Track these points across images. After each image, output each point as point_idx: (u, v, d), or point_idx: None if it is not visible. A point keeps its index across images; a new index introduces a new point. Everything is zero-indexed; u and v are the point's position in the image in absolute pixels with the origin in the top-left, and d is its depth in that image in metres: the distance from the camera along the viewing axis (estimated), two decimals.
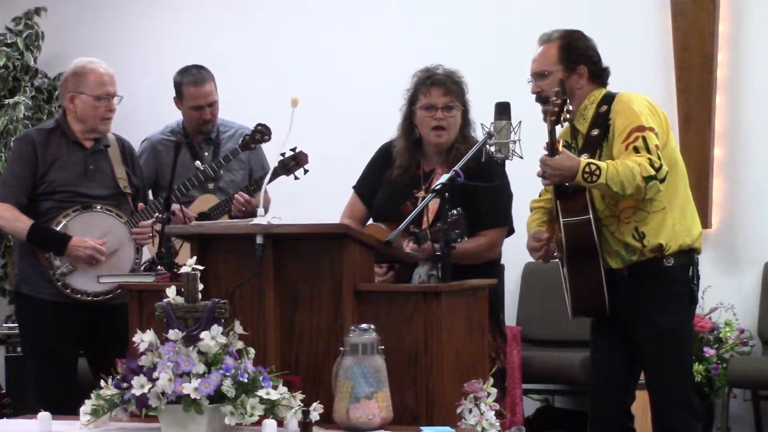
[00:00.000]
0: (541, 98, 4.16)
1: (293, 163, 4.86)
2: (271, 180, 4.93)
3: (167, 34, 7.39)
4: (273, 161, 4.51)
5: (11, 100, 7.03)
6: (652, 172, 3.93)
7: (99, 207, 4.76)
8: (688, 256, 4.16)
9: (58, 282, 4.69)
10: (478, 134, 4.25)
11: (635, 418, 4.37)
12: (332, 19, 7.13)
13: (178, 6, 7.52)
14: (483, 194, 4.20)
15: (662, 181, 3.96)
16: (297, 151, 4.85)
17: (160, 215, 4.58)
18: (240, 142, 5.04)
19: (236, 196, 5.04)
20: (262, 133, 5.00)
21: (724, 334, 6.06)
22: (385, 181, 4.44)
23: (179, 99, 5.27)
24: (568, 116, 4.05)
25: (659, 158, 3.96)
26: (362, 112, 6.89)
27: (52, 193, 4.74)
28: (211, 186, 5.17)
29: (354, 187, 4.59)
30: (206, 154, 5.23)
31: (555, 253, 4.23)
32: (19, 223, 4.71)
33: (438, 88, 4.33)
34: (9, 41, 7.27)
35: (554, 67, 4.16)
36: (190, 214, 4.90)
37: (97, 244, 4.68)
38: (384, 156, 4.51)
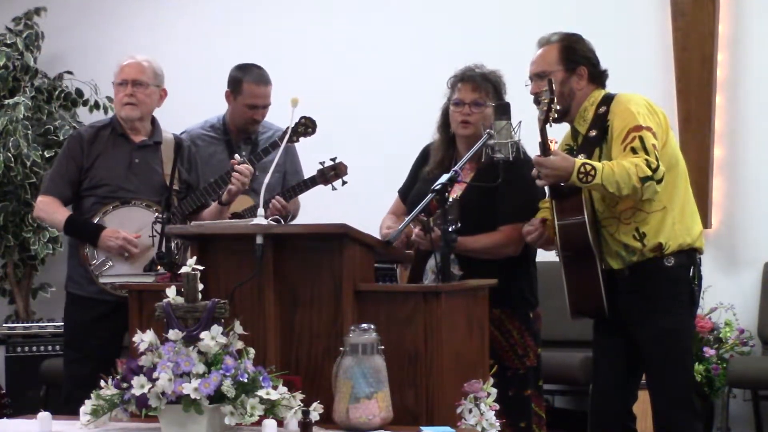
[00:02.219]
0: (539, 102, 4.16)
1: (332, 173, 4.84)
2: (308, 188, 4.95)
3: (167, 34, 7.38)
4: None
5: (11, 100, 7.02)
6: (649, 173, 3.93)
7: (138, 202, 4.79)
8: (689, 255, 4.16)
9: (98, 279, 4.74)
10: None
11: (636, 418, 4.37)
12: (331, 20, 7.14)
13: (178, 6, 7.51)
14: (503, 190, 4.22)
15: (659, 181, 3.97)
16: (337, 161, 4.84)
17: (160, 215, 4.59)
18: (281, 135, 4.92)
19: (273, 200, 5.00)
20: (306, 126, 4.90)
21: (724, 334, 6.05)
22: (421, 178, 4.49)
23: (233, 94, 5.26)
24: (556, 115, 4.06)
25: (656, 158, 3.96)
26: (364, 112, 6.90)
27: (95, 188, 4.81)
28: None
29: (398, 190, 4.66)
30: (244, 153, 5.22)
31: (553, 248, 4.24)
32: (58, 215, 4.83)
33: (468, 84, 4.38)
34: (9, 41, 7.26)
35: (555, 67, 4.18)
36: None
37: (130, 236, 4.71)
38: (423, 156, 4.59)
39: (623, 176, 3.92)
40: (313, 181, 4.93)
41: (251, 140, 5.31)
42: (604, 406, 4.30)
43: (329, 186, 4.87)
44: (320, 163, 4.85)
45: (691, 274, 4.17)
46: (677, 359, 4.15)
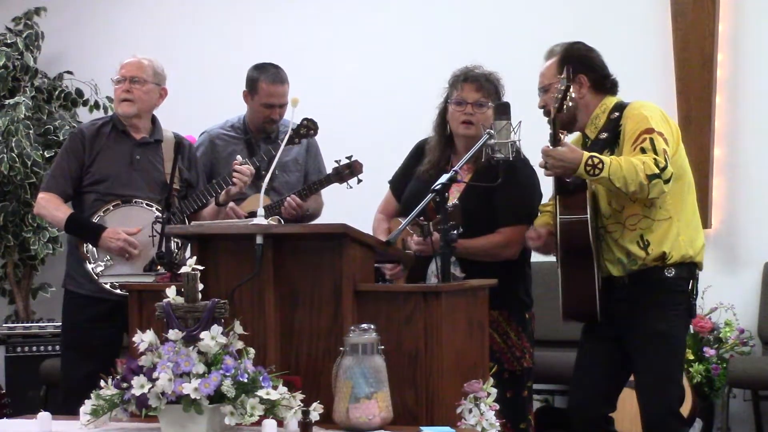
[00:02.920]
0: (548, 112, 4.15)
1: (347, 171, 4.85)
2: (323, 186, 4.95)
3: (168, 34, 7.38)
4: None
5: (11, 100, 7.02)
6: (656, 171, 3.92)
7: (139, 201, 4.80)
8: (689, 269, 4.15)
9: (98, 278, 4.74)
10: None
11: (632, 419, 4.35)
12: (332, 20, 7.14)
13: (178, 6, 7.51)
14: (502, 191, 4.22)
15: (667, 181, 3.95)
16: (352, 159, 4.85)
17: (161, 215, 4.59)
18: (285, 137, 4.93)
19: (288, 198, 5.01)
20: (308, 128, 4.93)
21: (724, 334, 6.05)
22: (415, 176, 4.48)
23: (251, 94, 5.26)
24: (570, 104, 4.04)
25: (665, 159, 3.95)
26: (365, 112, 6.91)
27: (96, 184, 4.82)
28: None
29: (389, 183, 4.65)
30: (277, 153, 5.20)
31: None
32: (59, 213, 4.83)
33: (471, 84, 4.37)
34: (9, 41, 7.27)
35: (555, 79, 4.16)
36: (240, 212, 4.90)
37: (130, 237, 4.71)
38: (417, 151, 4.57)
39: (630, 171, 3.91)
40: (328, 180, 4.94)
41: (271, 139, 5.31)
42: (581, 408, 4.26)
43: (344, 184, 4.87)
44: (336, 161, 4.86)
45: (689, 287, 4.16)
46: (665, 364, 4.11)
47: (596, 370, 4.23)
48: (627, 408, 4.37)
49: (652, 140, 3.98)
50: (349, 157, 4.85)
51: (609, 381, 4.23)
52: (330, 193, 5.19)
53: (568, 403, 4.39)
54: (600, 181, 3.96)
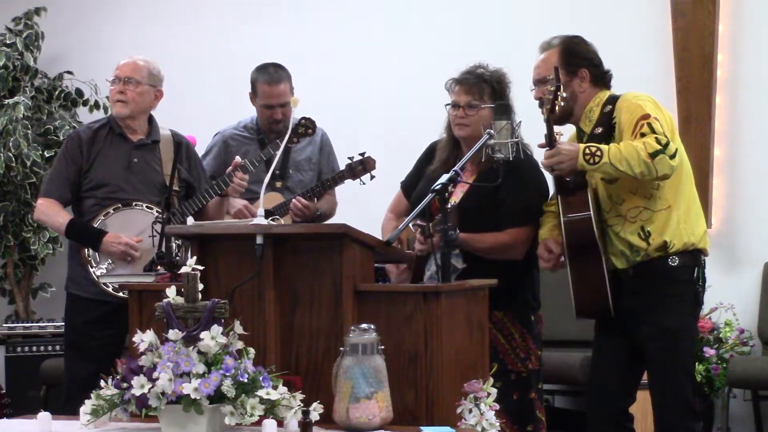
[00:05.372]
0: (543, 102, 4.16)
1: (360, 167, 4.86)
2: (336, 183, 4.96)
3: (168, 34, 7.38)
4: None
5: (11, 100, 7.02)
6: (659, 147, 3.92)
7: (139, 204, 4.79)
8: (694, 256, 4.16)
9: (99, 280, 4.74)
10: None
11: (637, 418, 4.36)
12: (335, 18, 7.14)
13: (178, 5, 7.51)
14: (508, 192, 4.22)
15: (672, 156, 3.95)
16: (365, 156, 4.85)
17: (161, 215, 4.59)
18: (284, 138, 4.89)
19: (293, 201, 5.01)
20: (306, 126, 4.93)
21: (724, 334, 6.05)
22: (425, 176, 4.49)
23: (254, 95, 5.27)
24: (562, 103, 4.06)
25: (667, 137, 3.96)
26: (369, 111, 6.90)
27: (94, 189, 4.81)
28: (278, 185, 5.16)
29: (401, 183, 4.66)
30: (277, 152, 5.21)
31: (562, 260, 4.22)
32: (59, 218, 4.82)
33: (461, 87, 4.39)
34: (9, 41, 7.27)
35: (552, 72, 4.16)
36: (253, 210, 4.89)
37: (131, 241, 4.71)
38: (429, 153, 4.59)
39: (631, 153, 3.91)
40: (341, 176, 4.94)
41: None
42: (600, 405, 4.29)
43: (357, 181, 4.88)
44: (349, 158, 4.87)
45: (695, 275, 4.17)
46: (677, 358, 4.14)
47: (611, 364, 4.24)
48: (634, 408, 4.37)
49: (650, 124, 4.00)
50: (362, 154, 4.86)
51: (625, 374, 4.25)
52: (346, 193, 5.18)
53: (587, 399, 4.40)
54: (602, 167, 3.97)
